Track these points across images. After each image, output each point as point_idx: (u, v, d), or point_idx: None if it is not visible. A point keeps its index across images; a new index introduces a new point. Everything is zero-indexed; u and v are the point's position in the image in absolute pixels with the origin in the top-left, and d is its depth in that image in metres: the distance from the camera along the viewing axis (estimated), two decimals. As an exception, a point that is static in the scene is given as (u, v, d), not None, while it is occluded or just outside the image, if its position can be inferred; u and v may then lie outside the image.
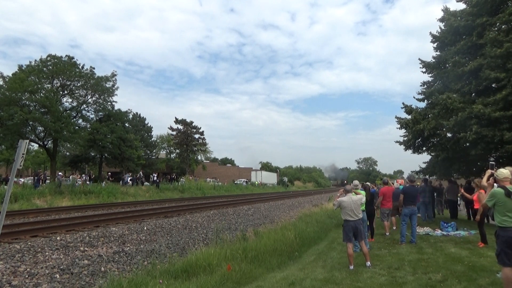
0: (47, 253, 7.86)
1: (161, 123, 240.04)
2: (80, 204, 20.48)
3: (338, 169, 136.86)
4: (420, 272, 5.98)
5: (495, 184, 5.34)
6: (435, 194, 15.86)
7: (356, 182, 8.28)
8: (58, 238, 9.30)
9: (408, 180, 9.43)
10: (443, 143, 14.63)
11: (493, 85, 13.26)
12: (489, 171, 6.17)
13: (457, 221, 12.68)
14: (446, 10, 15.91)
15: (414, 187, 9.38)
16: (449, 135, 14.46)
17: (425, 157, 21.39)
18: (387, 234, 10.26)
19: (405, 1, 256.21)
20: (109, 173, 41.12)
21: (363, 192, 8.34)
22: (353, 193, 6.90)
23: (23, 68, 31.75)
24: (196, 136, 57.40)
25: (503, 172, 4.61)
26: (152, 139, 56.14)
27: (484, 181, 6.14)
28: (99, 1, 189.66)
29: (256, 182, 63.92)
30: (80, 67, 34.27)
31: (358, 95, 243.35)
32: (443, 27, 16.05)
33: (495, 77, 12.10)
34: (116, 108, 39.23)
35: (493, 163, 6.42)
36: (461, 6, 15.47)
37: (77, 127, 34.76)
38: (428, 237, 9.94)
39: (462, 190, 11.09)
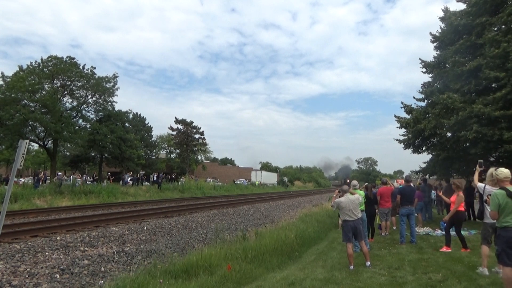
0: (47, 253, 7.86)
1: (161, 123, 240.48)
2: (80, 204, 20.48)
3: (335, 165, 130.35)
4: (420, 272, 5.98)
5: (489, 187, 5.30)
6: (433, 194, 15.84)
7: (354, 182, 8.30)
8: (58, 238, 9.31)
9: (404, 180, 9.43)
10: (443, 142, 14.60)
11: (493, 85, 13.24)
12: (478, 169, 6.24)
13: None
14: (446, 11, 15.91)
15: (411, 187, 9.38)
16: (449, 134, 14.44)
17: (425, 157, 21.23)
18: (383, 234, 10.29)
19: (406, 1, 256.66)
20: (109, 173, 41.09)
21: (361, 192, 8.37)
22: (349, 193, 6.92)
23: (23, 69, 31.79)
24: (196, 136, 57.37)
25: (504, 171, 4.51)
26: (152, 139, 56.20)
27: (475, 179, 6.19)
28: (100, 1, 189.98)
29: (256, 182, 63.90)
30: (81, 67, 34.32)
31: (359, 95, 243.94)
32: (443, 27, 16.04)
33: (494, 76, 12.06)
34: (116, 108, 39.38)
35: (482, 161, 6.48)
36: (462, 6, 15.47)
37: (77, 127, 34.79)
38: (428, 237, 9.96)
39: (440, 193, 10.40)
